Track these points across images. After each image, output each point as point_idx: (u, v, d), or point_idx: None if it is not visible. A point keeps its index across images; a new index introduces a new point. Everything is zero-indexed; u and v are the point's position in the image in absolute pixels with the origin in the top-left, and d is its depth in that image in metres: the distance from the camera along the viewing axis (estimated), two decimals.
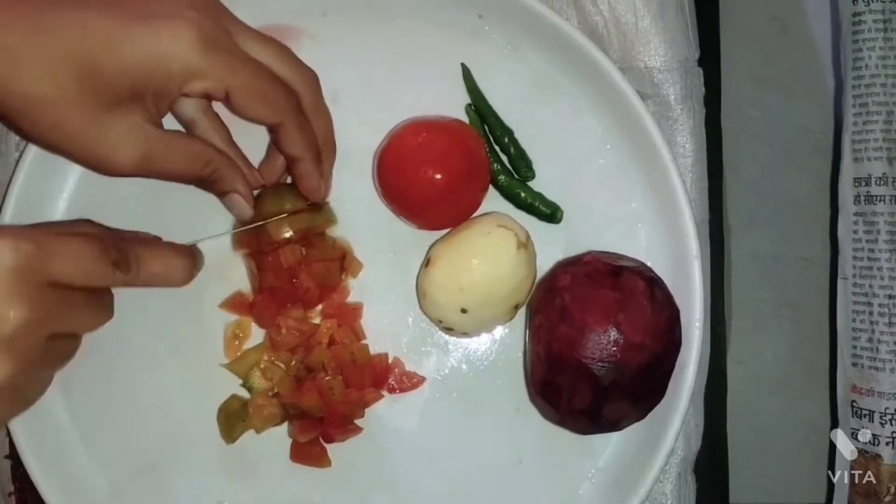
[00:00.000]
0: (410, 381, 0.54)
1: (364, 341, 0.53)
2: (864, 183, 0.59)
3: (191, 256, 0.48)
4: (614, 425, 0.49)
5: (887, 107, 0.58)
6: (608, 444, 0.53)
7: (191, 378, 0.53)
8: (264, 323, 0.53)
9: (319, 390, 0.51)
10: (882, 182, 0.58)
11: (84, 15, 0.38)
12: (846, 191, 0.60)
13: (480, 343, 0.53)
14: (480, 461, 0.53)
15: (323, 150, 0.50)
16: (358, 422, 0.53)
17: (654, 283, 0.48)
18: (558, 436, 0.51)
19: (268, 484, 0.53)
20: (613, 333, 0.46)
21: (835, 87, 0.64)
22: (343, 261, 0.53)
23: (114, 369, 0.53)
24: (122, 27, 0.38)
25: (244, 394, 0.53)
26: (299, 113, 0.46)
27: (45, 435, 0.52)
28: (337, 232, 0.54)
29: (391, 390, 0.53)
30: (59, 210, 0.53)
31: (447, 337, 0.53)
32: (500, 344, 0.54)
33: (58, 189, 0.53)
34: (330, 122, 0.50)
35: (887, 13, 0.58)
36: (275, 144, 0.49)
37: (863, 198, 0.59)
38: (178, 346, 0.54)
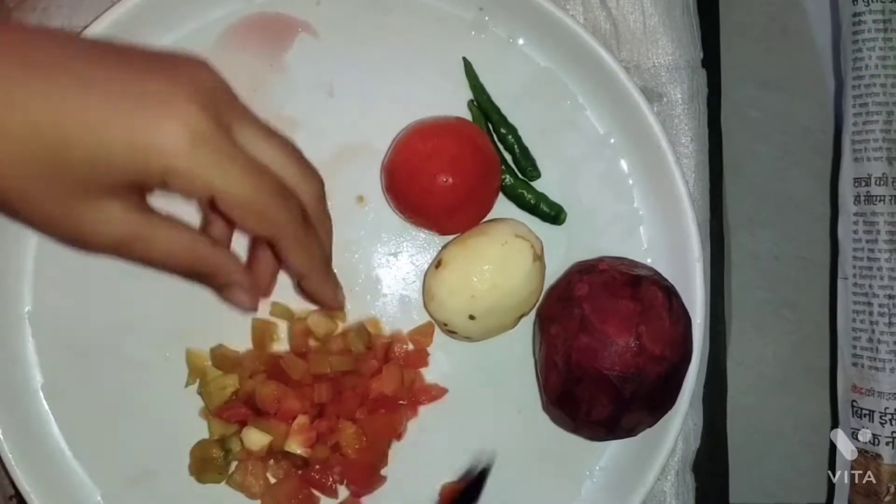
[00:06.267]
0: (433, 394, 0.53)
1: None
2: (864, 183, 0.59)
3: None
4: (629, 433, 0.49)
5: (887, 107, 0.58)
6: (609, 444, 0.53)
7: (184, 382, 0.52)
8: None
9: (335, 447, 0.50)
10: (882, 182, 0.58)
11: (60, 92, 0.33)
12: (846, 191, 0.60)
13: (483, 344, 0.53)
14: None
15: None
16: None
17: (671, 294, 0.48)
18: (560, 436, 0.51)
19: None
20: (635, 345, 0.46)
21: (835, 87, 0.64)
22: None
23: (103, 376, 0.52)
24: (101, 111, 0.34)
25: None
26: (301, 226, 0.40)
27: (34, 448, 0.50)
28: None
29: (420, 403, 0.53)
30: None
31: (449, 338, 0.53)
32: (503, 345, 0.53)
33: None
34: (330, 233, 0.45)
35: (887, 13, 0.58)
36: (275, 257, 0.44)
37: (863, 198, 0.59)
38: (169, 352, 0.52)
